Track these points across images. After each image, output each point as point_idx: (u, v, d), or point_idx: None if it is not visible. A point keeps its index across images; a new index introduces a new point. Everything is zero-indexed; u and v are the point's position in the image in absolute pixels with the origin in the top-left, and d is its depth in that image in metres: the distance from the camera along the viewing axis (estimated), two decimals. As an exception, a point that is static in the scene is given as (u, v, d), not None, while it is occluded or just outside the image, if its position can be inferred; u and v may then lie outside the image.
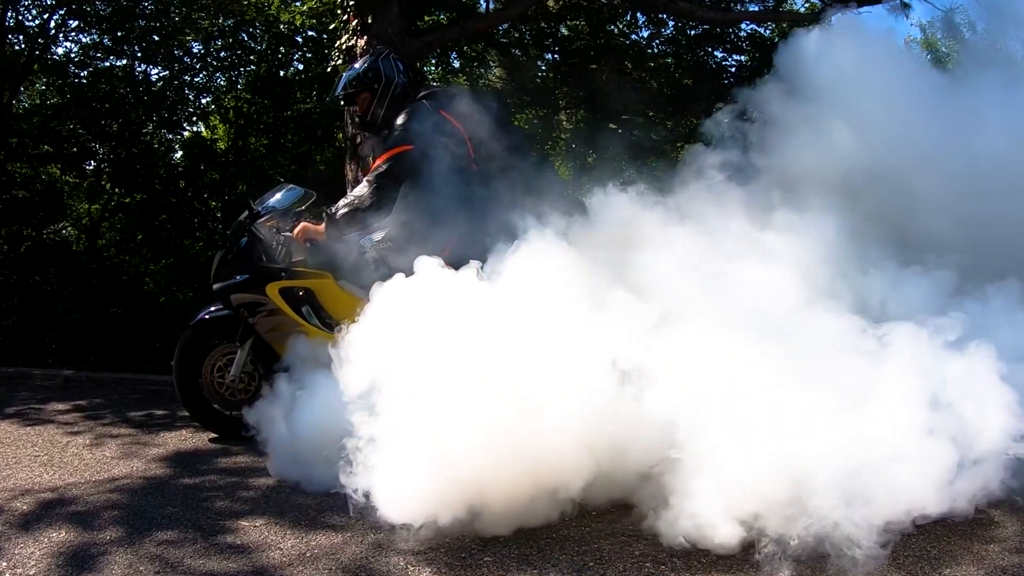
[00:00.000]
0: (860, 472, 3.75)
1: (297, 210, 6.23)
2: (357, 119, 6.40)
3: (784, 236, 4.92)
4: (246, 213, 6.14)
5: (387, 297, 4.42)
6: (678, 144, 12.04)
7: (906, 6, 10.78)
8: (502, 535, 4.14)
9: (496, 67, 13.66)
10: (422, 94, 5.99)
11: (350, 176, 9.98)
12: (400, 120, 5.85)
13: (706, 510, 3.82)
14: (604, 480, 4.31)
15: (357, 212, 5.79)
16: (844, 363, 4.08)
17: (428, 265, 4.44)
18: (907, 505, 3.80)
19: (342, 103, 6.59)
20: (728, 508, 3.79)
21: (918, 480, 3.80)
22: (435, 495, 4.01)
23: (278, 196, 6.33)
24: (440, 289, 4.33)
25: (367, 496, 4.02)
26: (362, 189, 5.87)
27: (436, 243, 5.22)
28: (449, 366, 4.07)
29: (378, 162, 5.90)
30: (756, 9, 12.38)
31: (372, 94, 6.10)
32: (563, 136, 13.28)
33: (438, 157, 5.61)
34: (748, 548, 3.77)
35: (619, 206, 5.16)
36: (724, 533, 3.76)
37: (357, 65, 6.28)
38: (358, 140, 9.80)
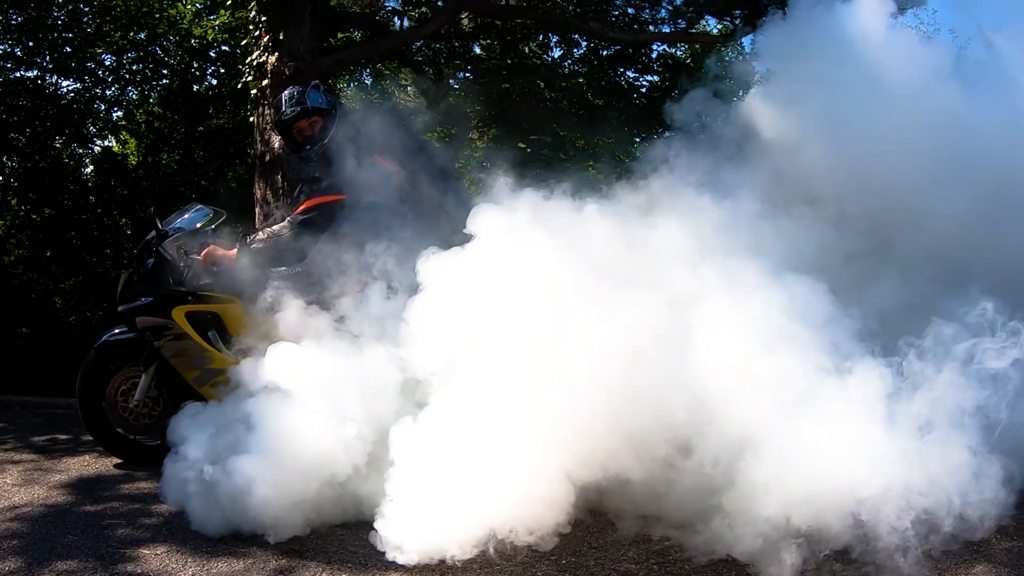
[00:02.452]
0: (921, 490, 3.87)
1: (206, 230, 6.14)
2: (301, 139, 6.07)
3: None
4: (153, 233, 6.03)
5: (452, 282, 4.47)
6: (588, 164, 12.17)
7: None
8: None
9: (409, 85, 13.69)
10: (357, 133, 5.77)
11: (259, 194, 9.94)
12: (334, 167, 5.73)
13: (764, 527, 3.93)
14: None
15: (273, 249, 5.76)
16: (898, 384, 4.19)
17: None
18: (966, 522, 3.92)
19: (283, 117, 6.10)
20: (788, 525, 3.91)
21: (978, 499, 3.92)
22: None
23: (187, 216, 6.23)
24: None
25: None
26: (284, 228, 5.80)
27: (353, 279, 5.29)
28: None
29: (307, 205, 5.78)
30: (668, 30, 12.49)
31: (327, 123, 5.94)
32: (475, 154, 13.35)
33: (367, 206, 5.51)
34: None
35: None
36: (783, 551, 3.86)
37: (320, 91, 6.10)
38: (267, 158, 9.76)
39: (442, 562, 4.09)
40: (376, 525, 4.26)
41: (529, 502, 4.18)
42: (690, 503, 4.34)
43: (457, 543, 4.10)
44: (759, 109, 6.06)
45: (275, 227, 5.88)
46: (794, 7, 6.31)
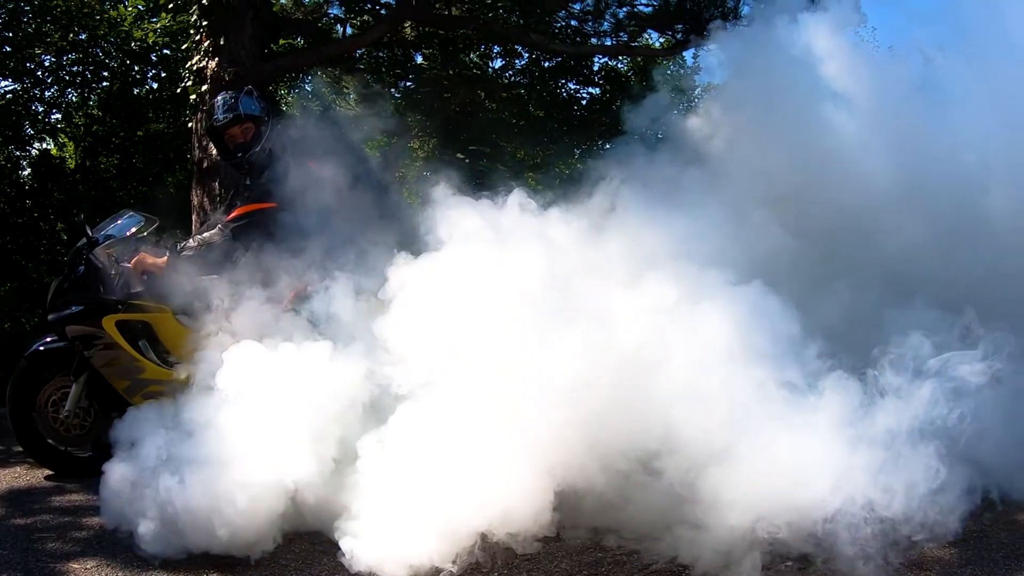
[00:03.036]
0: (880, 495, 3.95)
1: (138, 237, 6.05)
2: (233, 145, 5.95)
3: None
4: (84, 240, 5.94)
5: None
6: (527, 175, 12.22)
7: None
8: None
9: (350, 93, 13.67)
10: (290, 140, 5.73)
11: (196, 201, 9.87)
12: (267, 173, 5.69)
13: (726, 538, 4.02)
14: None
15: (204, 257, 5.66)
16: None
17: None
18: (927, 531, 4.00)
19: (216, 123, 5.98)
20: (751, 535, 3.99)
21: (940, 509, 4.00)
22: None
23: (118, 223, 6.13)
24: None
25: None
26: (215, 235, 5.73)
27: (284, 288, 5.26)
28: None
29: (238, 212, 5.74)
30: (610, 43, 12.57)
31: (260, 130, 5.87)
32: (416, 164, 13.37)
33: (300, 213, 5.42)
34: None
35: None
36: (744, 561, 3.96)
37: (254, 98, 6.00)
38: (205, 165, 9.69)
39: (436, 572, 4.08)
40: (344, 545, 4.20)
41: (513, 506, 4.17)
42: (650, 515, 4.39)
43: (443, 553, 4.08)
44: (716, 117, 6.13)
45: (206, 234, 5.81)
46: (754, 19, 6.37)
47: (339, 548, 4.25)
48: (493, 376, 4.23)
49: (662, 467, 4.26)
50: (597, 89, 13.81)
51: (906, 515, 3.92)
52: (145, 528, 4.40)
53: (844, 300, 5.56)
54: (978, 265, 5.61)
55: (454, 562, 4.07)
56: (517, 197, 4.84)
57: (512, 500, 4.16)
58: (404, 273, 4.53)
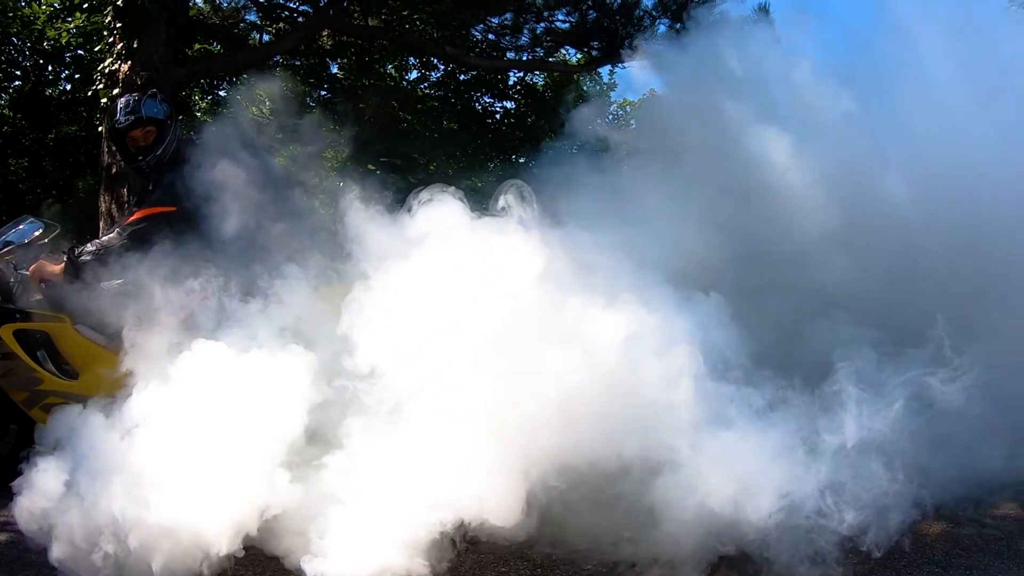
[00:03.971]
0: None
1: (39, 244, 5.95)
2: (134, 148, 5.75)
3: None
4: (-20, 247, 5.83)
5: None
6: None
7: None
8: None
9: (264, 99, 13.61)
10: (196, 145, 5.60)
11: (104, 207, 9.74)
12: (168, 177, 5.58)
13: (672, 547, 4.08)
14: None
15: (101, 262, 5.51)
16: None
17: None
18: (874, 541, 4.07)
19: (117, 125, 5.78)
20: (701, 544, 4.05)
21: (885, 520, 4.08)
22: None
23: (18, 228, 6.00)
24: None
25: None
26: (112, 239, 5.59)
27: (186, 295, 5.19)
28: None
29: (137, 216, 5.62)
30: (526, 58, 12.66)
31: (162, 133, 5.70)
32: (330, 175, 13.33)
33: (202, 217, 5.32)
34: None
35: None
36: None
37: (157, 100, 5.81)
38: (114, 170, 9.57)
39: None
40: (308, 567, 3.94)
41: (488, 508, 4.09)
42: (595, 529, 4.42)
43: (428, 557, 4.02)
44: (647, 127, 6.19)
45: (103, 239, 5.71)
46: (693, 34, 6.45)
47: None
48: (476, 386, 4.14)
49: (620, 486, 4.26)
50: (512, 103, 13.94)
51: (850, 526, 4.01)
52: (94, 552, 3.89)
53: (771, 313, 5.62)
54: (910, 292, 5.70)
55: (442, 562, 4.06)
56: (507, 199, 4.61)
57: (488, 502, 4.09)
58: (381, 281, 4.37)
